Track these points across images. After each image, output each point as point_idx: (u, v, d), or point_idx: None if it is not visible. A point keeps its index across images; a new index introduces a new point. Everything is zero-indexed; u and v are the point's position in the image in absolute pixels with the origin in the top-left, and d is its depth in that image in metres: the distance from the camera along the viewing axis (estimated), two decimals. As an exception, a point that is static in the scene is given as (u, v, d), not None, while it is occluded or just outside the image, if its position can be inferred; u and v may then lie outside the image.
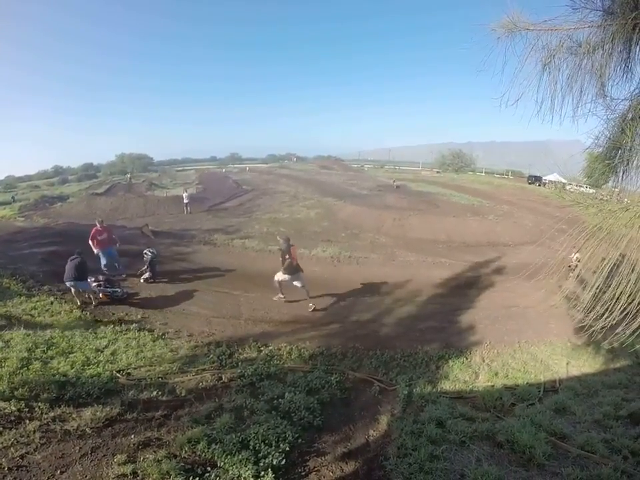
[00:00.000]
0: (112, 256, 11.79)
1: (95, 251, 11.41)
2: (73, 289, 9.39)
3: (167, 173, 59.60)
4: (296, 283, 9.80)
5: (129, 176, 50.92)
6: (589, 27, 2.95)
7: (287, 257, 9.48)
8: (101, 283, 9.84)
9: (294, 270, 9.66)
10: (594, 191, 3.68)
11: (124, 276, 11.52)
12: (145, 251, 11.42)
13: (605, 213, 2.90)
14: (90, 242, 11.39)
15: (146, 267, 11.34)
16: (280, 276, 9.74)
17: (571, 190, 3.37)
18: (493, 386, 6.66)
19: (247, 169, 60.36)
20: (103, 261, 11.55)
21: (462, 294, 11.12)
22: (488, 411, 5.52)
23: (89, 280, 9.61)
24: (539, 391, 6.33)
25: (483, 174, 55.46)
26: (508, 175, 56.29)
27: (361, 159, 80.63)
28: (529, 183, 45.20)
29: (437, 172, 54.87)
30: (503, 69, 3.31)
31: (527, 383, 6.84)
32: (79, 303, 9.32)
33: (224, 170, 60.74)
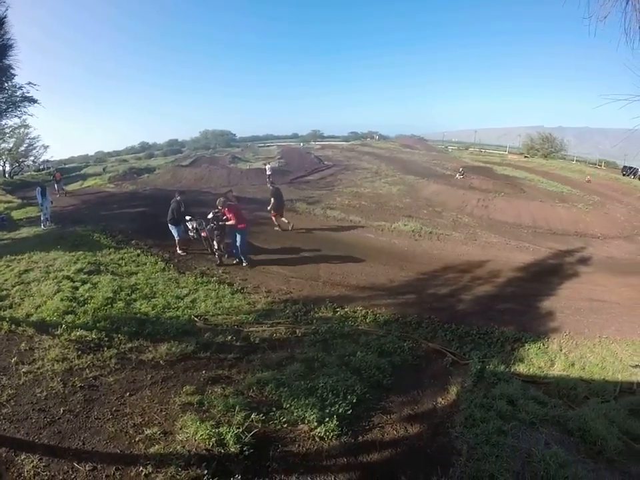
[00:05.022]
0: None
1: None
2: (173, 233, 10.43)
3: (249, 148, 60.67)
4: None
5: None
6: None
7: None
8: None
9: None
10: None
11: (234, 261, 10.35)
12: None
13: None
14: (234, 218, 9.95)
15: None
16: None
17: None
18: (568, 375, 6.28)
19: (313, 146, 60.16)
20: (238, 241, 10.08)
21: (544, 280, 10.45)
22: (560, 399, 5.22)
23: (186, 225, 10.52)
24: (615, 390, 5.85)
25: (574, 162, 50.96)
26: (601, 165, 51.38)
27: (445, 140, 77.07)
28: (624, 175, 41.05)
29: (525, 156, 51.28)
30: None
31: (604, 379, 6.35)
32: (171, 254, 10.18)
33: (301, 145, 61.12)
